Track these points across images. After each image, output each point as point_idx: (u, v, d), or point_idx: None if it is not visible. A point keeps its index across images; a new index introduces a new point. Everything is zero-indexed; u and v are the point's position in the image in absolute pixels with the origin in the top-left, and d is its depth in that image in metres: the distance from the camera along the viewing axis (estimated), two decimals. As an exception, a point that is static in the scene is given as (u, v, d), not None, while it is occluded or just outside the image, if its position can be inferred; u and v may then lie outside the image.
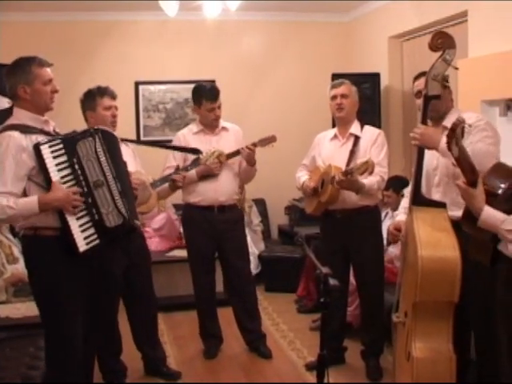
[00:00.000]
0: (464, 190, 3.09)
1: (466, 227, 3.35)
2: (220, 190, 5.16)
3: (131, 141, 4.98)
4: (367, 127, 4.92)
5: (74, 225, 3.51)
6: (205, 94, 5.17)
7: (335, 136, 4.96)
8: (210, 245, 5.27)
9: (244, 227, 5.60)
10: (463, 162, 3.03)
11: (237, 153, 5.11)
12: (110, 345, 4.69)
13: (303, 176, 5.09)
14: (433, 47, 3.72)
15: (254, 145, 5.08)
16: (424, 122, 3.79)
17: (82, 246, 3.51)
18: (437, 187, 3.94)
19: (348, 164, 4.70)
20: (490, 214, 3.03)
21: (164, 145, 5.27)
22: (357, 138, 4.83)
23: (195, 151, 5.03)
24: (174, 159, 5.19)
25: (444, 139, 3.63)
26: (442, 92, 3.80)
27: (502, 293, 3.28)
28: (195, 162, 4.97)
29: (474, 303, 3.70)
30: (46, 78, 3.58)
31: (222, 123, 5.31)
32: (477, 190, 3.05)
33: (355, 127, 4.89)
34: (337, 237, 4.88)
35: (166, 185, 4.89)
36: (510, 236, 2.99)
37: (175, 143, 5.29)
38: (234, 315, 5.46)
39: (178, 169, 4.92)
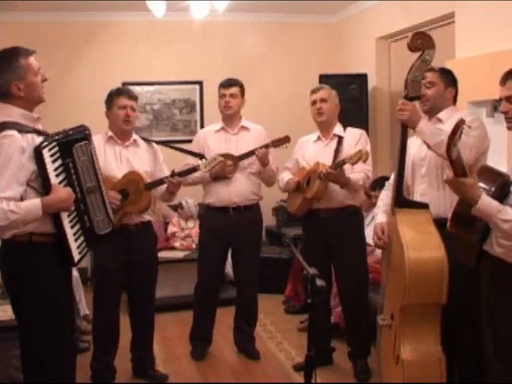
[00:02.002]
0: (454, 181, 3.07)
1: (455, 228, 3.35)
2: (234, 191, 5.16)
3: (148, 140, 4.94)
4: (349, 129, 4.96)
5: (70, 234, 3.35)
6: (222, 82, 5.30)
7: (318, 138, 4.99)
8: (222, 246, 5.27)
9: (261, 230, 5.56)
10: (458, 162, 3.03)
11: (249, 154, 5.08)
12: (107, 343, 4.70)
13: (287, 176, 5.11)
14: (412, 48, 3.75)
15: (267, 146, 5.06)
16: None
17: (76, 255, 3.38)
18: (422, 178, 3.98)
19: (334, 163, 4.70)
20: (487, 202, 3.02)
21: (172, 146, 5.23)
22: (340, 138, 4.85)
23: (198, 156, 5.02)
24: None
25: (424, 121, 3.72)
26: (443, 90, 3.90)
27: (486, 292, 3.30)
28: (193, 169, 4.91)
29: (458, 304, 3.71)
30: (36, 67, 3.40)
31: (243, 122, 5.32)
32: (469, 178, 3.04)
33: (338, 129, 4.93)
34: (320, 236, 4.89)
35: (164, 187, 4.79)
36: (504, 225, 2.98)
37: (195, 141, 5.38)
38: (234, 314, 5.47)
39: (173, 173, 4.82)
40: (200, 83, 8.12)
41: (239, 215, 5.20)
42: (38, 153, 3.21)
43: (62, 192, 3.27)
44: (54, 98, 6.74)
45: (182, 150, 5.15)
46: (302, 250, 5.06)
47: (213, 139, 5.25)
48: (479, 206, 3.03)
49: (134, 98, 4.67)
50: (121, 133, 4.66)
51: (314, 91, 4.93)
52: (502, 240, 3.08)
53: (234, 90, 5.22)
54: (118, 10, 7.57)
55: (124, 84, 7.86)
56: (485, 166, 3.45)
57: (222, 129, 5.28)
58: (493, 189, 3.12)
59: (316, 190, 4.68)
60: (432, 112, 3.96)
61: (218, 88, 5.31)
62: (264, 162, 5.09)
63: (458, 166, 3.02)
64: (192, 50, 8.10)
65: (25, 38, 7.16)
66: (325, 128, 4.95)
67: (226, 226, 5.19)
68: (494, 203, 3.02)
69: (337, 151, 4.79)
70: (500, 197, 3.07)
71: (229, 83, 5.25)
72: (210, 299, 5.38)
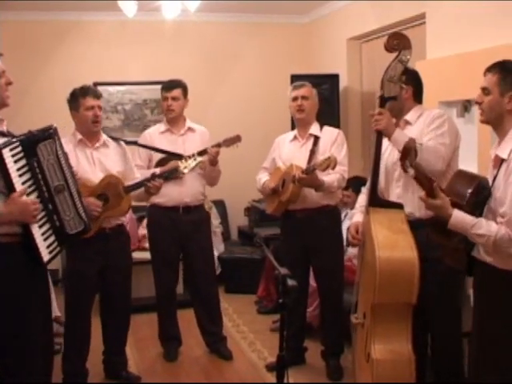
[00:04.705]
0: (425, 201, 3.11)
1: (435, 237, 3.36)
2: (185, 190, 5.16)
3: (115, 139, 4.89)
4: (326, 127, 4.96)
5: (37, 233, 3.30)
6: (164, 84, 5.29)
7: (295, 137, 4.99)
8: (174, 246, 5.26)
9: (209, 229, 5.57)
10: (420, 177, 3.06)
11: (202, 153, 5.06)
12: (80, 346, 4.64)
13: (264, 177, 5.10)
14: (389, 48, 3.75)
15: (219, 145, 5.08)
16: None
17: (45, 255, 3.34)
18: (397, 182, 3.96)
19: (309, 163, 4.70)
20: (460, 219, 3.05)
21: (150, 146, 5.19)
22: (316, 138, 4.85)
23: (178, 156, 5.00)
24: (139, 158, 5.19)
25: (398, 130, 3.70)
26: (399, 92, 3.84)
27: (474, 295, 3.31)
28: (174, 171, 4.87)
29: (437, 304, 3.73)
30: None
31: (189, 124, 5.32)
32: (437, 199, 3.06)
33: (315, 128, 4.92)
34: (297, 237, 4.89)
35: (142, 189, 4.73)
36: (479, 240, 3.02)
37: (141, 142, 5.29)
38: (195, 317, 5.44)
39: (154, 175, 4.78)
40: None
41: (189, 215, 5.22)
42: None
43: (13, 206, 3.20)
44: (26, 98, 6.69)
45: (160, 151, 5.15)
46: (277, 250, 5.08)
47: (159, 140, 5.24)
48: (452, 223, 3.07)
49: (99, 96, 4.59)
50: (90, 134, 4.58)
51: (295, 87, 4.92)
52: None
53: (176, 92, 5.20)
54: (89, 9, 7.50)
55: (95, 84, 7.81)
56: (459, 171, 3.47)
57: (168, 130, 5.28)
58: (469, 190, 3.14)
59: (290, 194, 4.68)
60: (393, 113, 3.87)
61: (160, 90, 5.31)
62: (214, 161, 5.11)
63: (422, 182, 3.07)
64: (163, 49, 8.07)
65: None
66: (302, 125, 4.95)
67: (176, 226, 5.19)
68: (467, 218, 3.04)
69: (312, 152, 4.80)
70: (476, 203, 3.10)
71: (170, 86, 5.23)
72: (169, 299, 5.40)
